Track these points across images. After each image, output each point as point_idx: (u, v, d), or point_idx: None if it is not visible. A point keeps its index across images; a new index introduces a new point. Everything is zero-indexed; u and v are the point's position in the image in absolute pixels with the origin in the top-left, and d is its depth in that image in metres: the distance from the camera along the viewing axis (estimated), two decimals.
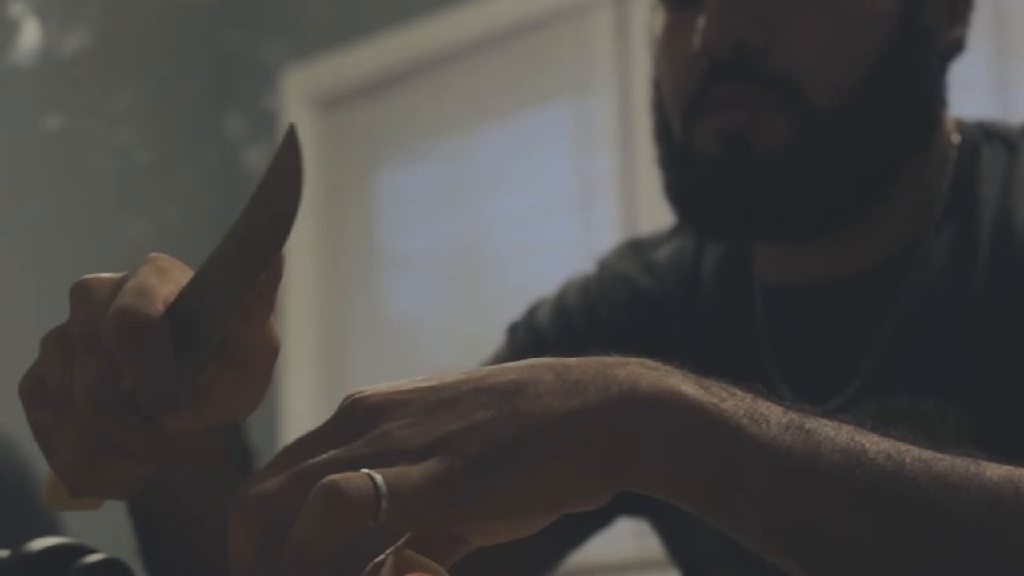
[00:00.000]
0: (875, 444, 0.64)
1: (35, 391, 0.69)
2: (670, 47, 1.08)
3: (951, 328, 1.01)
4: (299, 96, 3.87)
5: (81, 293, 0.69)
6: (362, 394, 0.62)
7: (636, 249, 1.20)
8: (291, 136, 0.64)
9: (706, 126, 1.04)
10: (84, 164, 3.67)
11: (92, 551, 0.76)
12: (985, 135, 1.07)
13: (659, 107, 1.10)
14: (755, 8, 1.03)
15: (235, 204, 3.44)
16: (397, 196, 3.61)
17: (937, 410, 0.99)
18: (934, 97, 1.07)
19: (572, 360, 0.64)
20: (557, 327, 1.16)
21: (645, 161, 3.24)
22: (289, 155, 0.63)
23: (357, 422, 0.61)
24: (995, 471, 0.65)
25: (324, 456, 0.60)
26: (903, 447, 0.64)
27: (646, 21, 1.16)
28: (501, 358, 1.16)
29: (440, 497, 0.59)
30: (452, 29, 3.57)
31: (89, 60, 3.59)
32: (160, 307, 0.66)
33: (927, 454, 0.65)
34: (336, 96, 3.85)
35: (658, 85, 1.11)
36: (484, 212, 3.42)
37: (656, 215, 3.18)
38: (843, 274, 1.07)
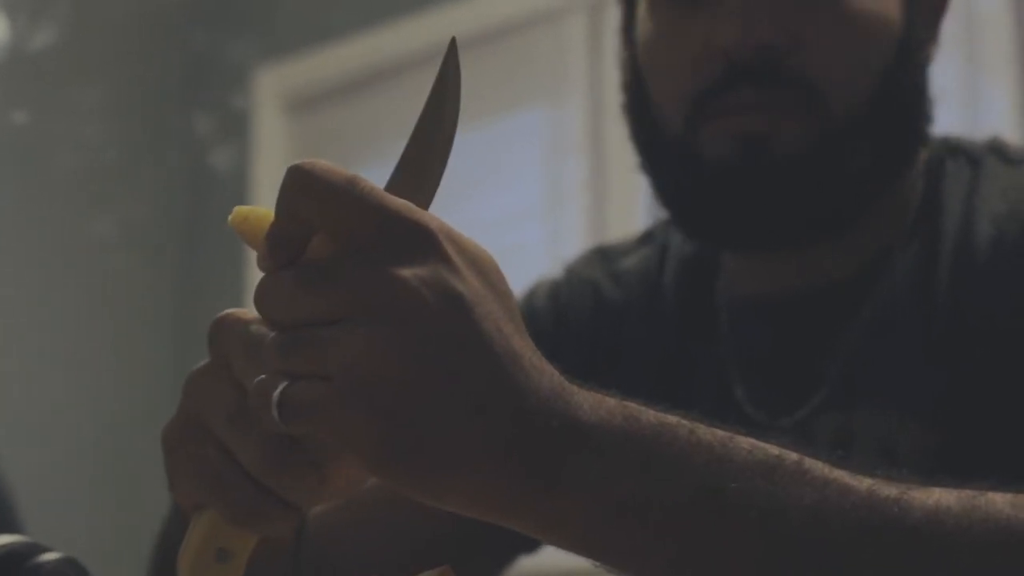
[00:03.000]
0: (799, 501, 0.65)
1: (194, 432, 0.67)
2: (671, 46, 1.05)
3: (913, 342, 1.01)
4: (270, 97, 3.86)
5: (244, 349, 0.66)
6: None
7: (603, 257, 1.20)
8: (452, 49, 0.68)
9: (718, 129, 1.02)
10: (51, 161, 3.65)
11: (47, 549, 0.76)
12: (950, 150, 1.08)
13: (644, 109, 1.08)
14: (776, 10, 1.01)
15: (202, 204, 3.46)
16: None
17: (898, 424, 1.00)
18: (927, 109, 1.07)
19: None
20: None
21: (615, 168, 3.26)
22: (449, 68, 0.67)
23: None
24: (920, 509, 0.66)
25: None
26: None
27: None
28: None
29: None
30: (425, 32, 3.57)
31: (57, 57, 3.58)
32: None
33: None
34: (308, 97, 3.85)
35: (637, 87, 1.08)
36: (454, 216, 3.40)
37: (625, 221, 3.20)
38: (812, 286, 1.07)
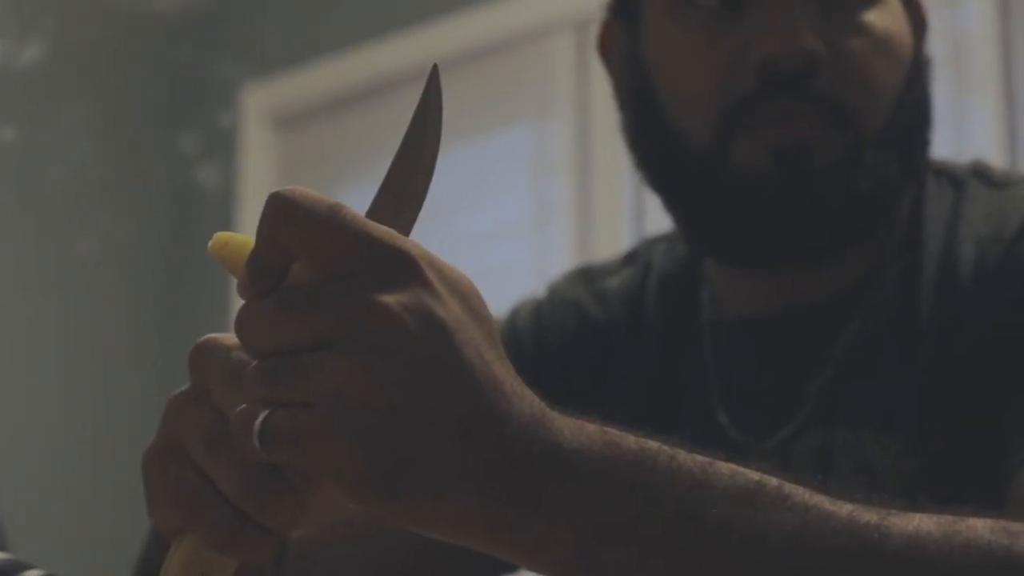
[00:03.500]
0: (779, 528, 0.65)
1: (173, 457, 0.67)
2: (699, 58, 1.03)
3: (896, 364, 1.01)
4: (257, 114, 3.86)
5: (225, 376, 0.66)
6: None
7: (586, 277, 1.19)
8: (434, 75, 0.68)
9: (755, 141, 1.01)
10: (36, 177, 3.65)
11: (29, 567, 0.76)
12: (933, 173, 1.08)
13: (656, 124, 1.06)
14: (816, 24, 1.01)
15: (187, 222, 3.45)
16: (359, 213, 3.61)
17: (879, 443, 1.00)
18: (930, 129, 1.07)
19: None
20: (507, 352, 1.15)
21: (601, 185, 3.27)
22: (431, 93, 0.68)
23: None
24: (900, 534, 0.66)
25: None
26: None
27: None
28: None
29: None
30: (411, 51, 3.57)
31: (43, 74, 3.58)
32: None
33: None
34: (294, 115, 3.85)
35: (645, 101, 1.07)
36: (441, 233, 3.42)
37: (611, 239, 3.20)
38: (796, 306, 1.07)
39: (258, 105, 3.86)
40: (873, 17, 1.03)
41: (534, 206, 3.40)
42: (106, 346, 3.86)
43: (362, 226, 0.63)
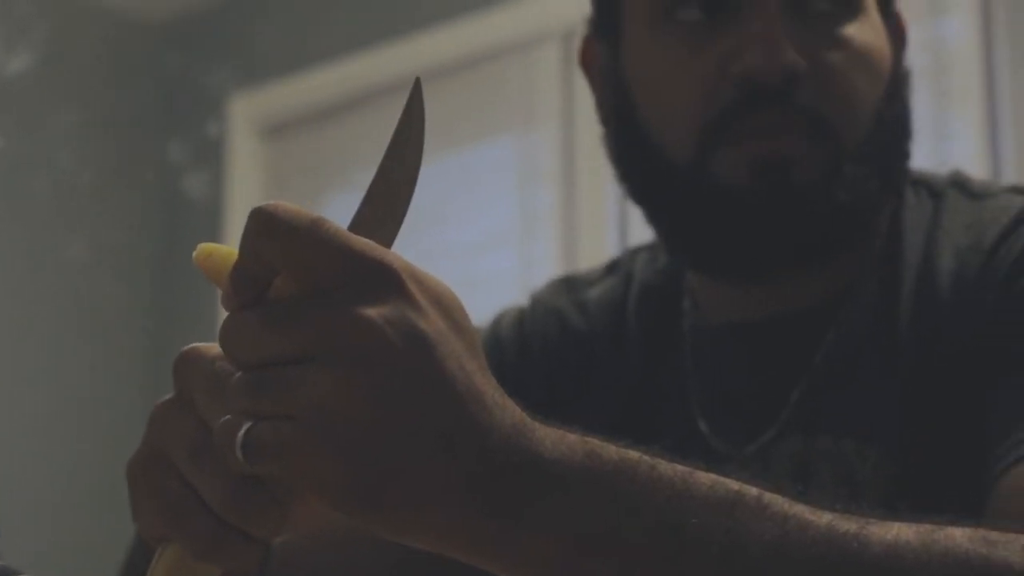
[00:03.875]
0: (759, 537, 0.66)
1: (157, 465, 0.67)
2: (682, 70, 1.03)
3: (874, 373, 1.02)
4: (245, 123, 3.86)
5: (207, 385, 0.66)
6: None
7: (569, 287, 1.20)
8: (416, 88, 0.69)
9: (736, 153, 1.01)
10: (26, 184, 3.65)
11: (17, 573, 0.76)
12: (912, 183, 1.09)
13: (638, 137, 1.06)
14: (796, 38, 1.01)
15: (175, 229, 3.46)
16: (343, 224, 3.61)
17: (858, 450, 1.00)
18: (910, 141, 1.08)
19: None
20: (489, 360, 1.16)
21: (585, 196, 3.27)
22: (414, 107, 0.69)
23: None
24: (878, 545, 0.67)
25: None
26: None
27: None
28: None
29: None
30: (397, 61, 3.58)
31: (33, 81, 3.58)
32: None
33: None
34: (281, 124, 3.85)
35: (627, 114, 1.07)
36: (427, 243, 3.42)
37: (595, 248, 3.21)
38: (777, 315, 1.07)
39: (246, 114, 3.86)
40: (853, 31, 1.03)
41: (519, 216, 3.41)
42: (94, 352, 3.86)
43: (344, 240, 0.63)
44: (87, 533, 3.65)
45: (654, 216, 1.08)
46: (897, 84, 1.06)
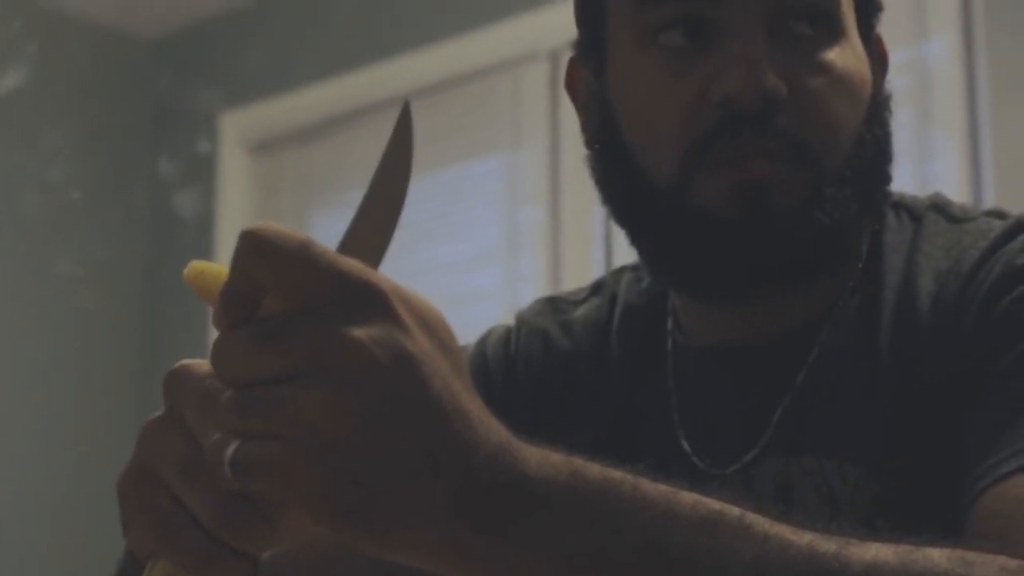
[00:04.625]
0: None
1: (147, 481, 0.68)
2: (665, 93, 1.04)
3: (855, 394, 1.02)
4: (235, 140, 3.87)
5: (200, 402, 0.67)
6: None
7: (554, 307, 1.20)
8: (405, 112, 0.70)
9: (716, 178, 1.01)
10: (16, 200, 3.65)
11: None
12: (893, 206, 1.09)
13: (623, 160, 1.06)
14: (778, 62, 1.02)
15: (165, 244, 3.47)
16: (330, 241, 3.61)
17: (839, 470, 1.01)
18: (891, 165, 1.08)
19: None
20: (475, 380, 1.16)
21: (571, 214, 3.28)
22: (402, 129, 0.70)
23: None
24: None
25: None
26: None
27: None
28: None
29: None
30: (385, 80, 3.59)
31: (24, 97, 3.58)
32: None
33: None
34: (271, 141, 3.86)
35: (612, 137, 1.07)
36: (415, 259, 3.43)
37: (580, 266, 3.22)
38: (760, 336, 1.08)
39: (236, 131, 3.87)
40: (834, 56, 1.04)
41: (506, 233, 3.42)
42: (85, 367, 3.86)
43: (332, 261, 0.64)
44: (77, 547, 3.65)
45: (637, 238, 1.08)
46: (878, 108, 1.06)
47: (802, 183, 1.02)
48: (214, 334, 0.66)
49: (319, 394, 0.62)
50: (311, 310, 0.63)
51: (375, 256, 0.69)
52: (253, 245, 0.64)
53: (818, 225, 1.01)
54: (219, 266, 0.69)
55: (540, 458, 0.66)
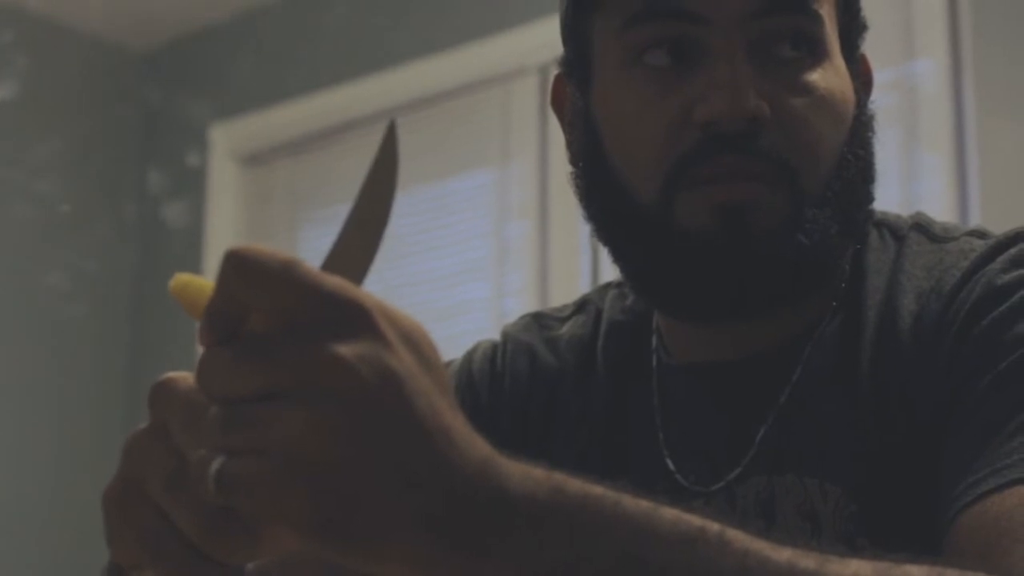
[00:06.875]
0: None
1: (132, 494, 0.69)
2: (647, 114, 1.04)
3: (836, 413, 1.03)
4: (225, 152, 3.88)
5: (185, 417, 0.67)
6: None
7: (540, 323, 1.21)
8: (391, 131, 0.70)
9: (697, 198, 1.02)
10: (5, 211, 3.65)
11: None
12: (875, 225, 1.09)
13: (606, 179, 1.07)
14: (761, 84, 1.02)
15: (154, 258, 3.47)
16: (320, 253, 3.62)
17: (820, 489, 1.01)
18: (874, 184, 1.08)
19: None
20: (462, 395, 1.17)
21: (559, 229, 3.29)
22: (388, 148, 0.70)
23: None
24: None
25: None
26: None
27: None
28: None
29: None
30: (375, 93, 3.60)
31: (13, 110, 3.59)
32: None
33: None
34: (261, 153, 3.87)
35: (595, 156, 1.08)
36: (403, 273, 3.44)
37: (567, 280, 3.23)
38: (743, 355, 1.08)
39: (226, 143, 3.87)
40: (816, 76, 1.04)
41: (494, 247, 3.43)
42: (72, 380, 3.85)
43: (315, 280, 0.64)
44: (62, 559, 3.64)
45: (620, 256, 1.09)
46: (861, 129, 1.07)
47: (783, 204, 1.02)
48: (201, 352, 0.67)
49: (303, 412, 0.62)
50: (296, 328, 0.63)
51: (359, 273, 0.69)
52: (237, 266, 0.64)
53: (799, 246, 1.02)
54: (203, 279, 0.69)
55: (522, 474, 0.66)
